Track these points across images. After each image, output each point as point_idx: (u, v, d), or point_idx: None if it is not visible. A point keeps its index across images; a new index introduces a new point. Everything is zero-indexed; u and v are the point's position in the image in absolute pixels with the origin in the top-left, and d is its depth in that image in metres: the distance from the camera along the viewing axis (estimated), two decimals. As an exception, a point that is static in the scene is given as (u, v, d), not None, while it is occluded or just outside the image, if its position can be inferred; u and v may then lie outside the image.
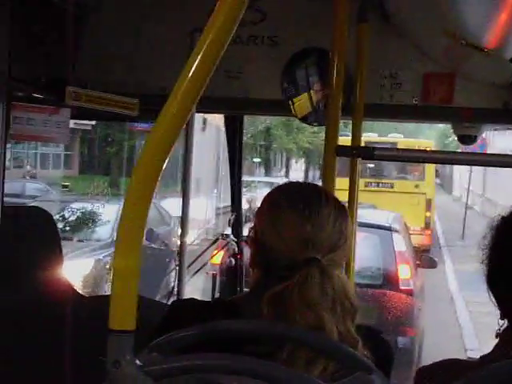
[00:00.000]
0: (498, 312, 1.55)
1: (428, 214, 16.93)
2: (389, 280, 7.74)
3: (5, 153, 2.28)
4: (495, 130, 3.53)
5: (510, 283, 1.45)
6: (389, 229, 8.30)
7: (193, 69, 1.12)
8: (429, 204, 17.07)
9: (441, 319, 10.21)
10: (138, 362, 1.21)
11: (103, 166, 23.04)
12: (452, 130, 3.33)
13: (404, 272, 7.85)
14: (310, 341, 1.42)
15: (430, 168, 17.35)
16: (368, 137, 15.77)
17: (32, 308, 2.41)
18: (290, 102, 3.16)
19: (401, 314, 7.34)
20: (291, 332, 1.43)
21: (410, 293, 7.71)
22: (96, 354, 1.32)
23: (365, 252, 6.49)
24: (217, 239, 4.19)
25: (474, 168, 22.45)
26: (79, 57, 3.03)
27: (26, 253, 2.43)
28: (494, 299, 1.54)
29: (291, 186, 1.82)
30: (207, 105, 3.39)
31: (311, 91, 3.16)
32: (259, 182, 17.71)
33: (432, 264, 8.86)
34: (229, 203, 3.82)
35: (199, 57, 1.12)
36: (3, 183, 2.14)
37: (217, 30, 1.12)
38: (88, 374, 1.26)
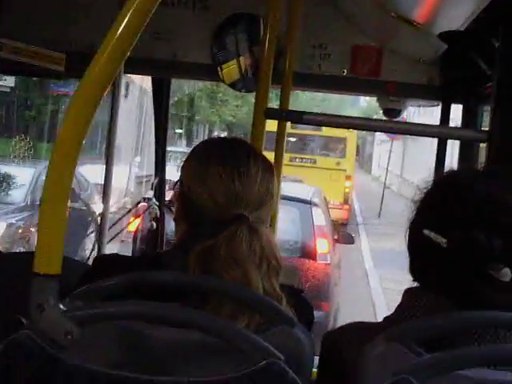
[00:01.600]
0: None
1: (347, 189, 17.43)
2: (307, 253, 7.78)
3: None
4: (419, 106, 3.60)
5: (431, 245, 1.47)
6: (309, 202, 8.32)
7: (121, 27, 1.11)
8: (348, 180, 17.53)
9: (355, 295, 10.40)
10: (61, 306, 1.20)
11: (22, 130, 22.49)
12: (374, 109, 3.38)
13: (322, 246, 7.91)
14: (234, 294, 1.42)
15: (351, 146, 17.98)
16: None
17: None
18: (219, 67, 3.14)
19: (317, 286, 7.41)
20: (216, 284, 1.43)
21: (326, 270, 7.75)
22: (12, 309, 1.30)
23: (284, 225, 6.22)
24: (138, 202, 4.16)
25: (394, 149, 22.94)
26: (4, 9, 2.95)
27: None
28: (409, 261, 1.56)
29: (221, 142, 1.81)
30: (134, 66, 3.34)
31: (240, 58, 3.15)
32: (181, 152, 17.59)
33: (349, 240, 8.93)
34: (151, 173, 3.79)
35: (128, 15, 1.10)
36: None
37: None
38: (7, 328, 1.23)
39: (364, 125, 2.59)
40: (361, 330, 1.49)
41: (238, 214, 1.59)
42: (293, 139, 16.46)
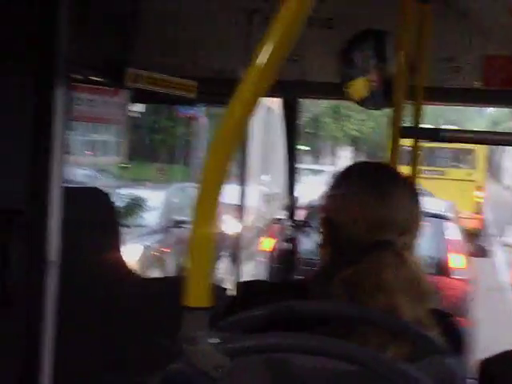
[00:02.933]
0: None
1: (478, 199, 17.16)
2: (441, 269, 7.65)
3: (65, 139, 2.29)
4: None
5: None
6: (443, 217, 8.22)
7: (267, 55, 1.10)
8: (479, 190, 17.32)
9: (493, 309, 10.06)
10: (212, 340, 1.20)
11: (151, 154, 23.17)
12: (504, 115, 3.26)
13: (456, 261, 7.80)
14: (384, 322, 1.39)
15: (481, 156, 17.56)
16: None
17: (94, 290, 2.42)
18: (346, 85, 3.12)
19: (454, 303, 7.15)
20: (365, 313, 1.40)
21: (463, 287, 7.63)
22: (154, 333, 1.32)
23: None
24: (271, 222, 4.18)
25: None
26: (137, 41, 3.04)
27: (85, 233, 2.45)
28: None
29: (364, 167, 1.78)
30: None
31: (368, 75, 3.12)
32: (307, 169, 17.64)
33: (483, 253, 8.68)
34: (277, 190, 3.78)
35: (273, 42, 1.10)
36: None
37: (292, 14, 1.10)
38: (145, 352, 1.25)
39: (504, 140, 2.49)
40: None
41: (383, 239, 1.56)
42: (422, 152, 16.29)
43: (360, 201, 1.59)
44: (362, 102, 3.16)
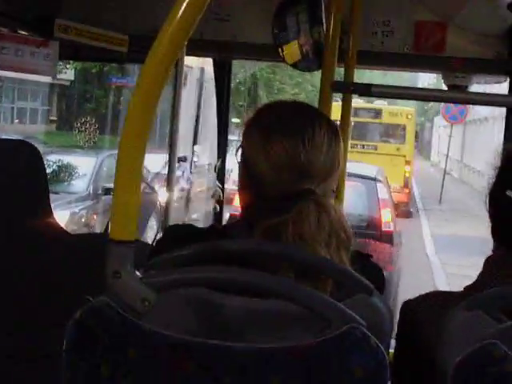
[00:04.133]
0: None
1: (407, 174, 17.69)
2: (372, 223, 8.83)
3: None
4: (485, 82, 3.51)
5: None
6: (373, 179, 9.55)
7: (183, 7, 1.10)
8: (408, 165, 17.80)
9: (418, 281, 10.33)
10: (138, 273, 1.19)
11: (82, 122, 22.77)
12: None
13: (386, 216, 9.08)
14: (311, 261, 1.40)
15: (410, 132, 18.22)
16: (355, 103, 16.20)
17: (23, 245, 2.38)
18: (280, 48, 3.11)
19: (383, 250, 8.40)
20: (288, 250, 1.41)
21: (390, 234, 8.90)
22: (82, 289, 1.31)
23: (352, 199, 7.25)
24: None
25: (453, 134, 22.61)
26: None
27: (12, 187, 2.39)
28: (491, 226, 1.52)
29: (283, 107, 1.68)
30: (196, 48, 3.33)
31: (301, 37, 3.12)
32: (238, 140, 17.61)
33: (407, 214, 9.57)
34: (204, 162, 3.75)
35: None
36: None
37: None
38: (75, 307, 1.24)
39: (432, 96, 2.54)
40: (441, 299, 1.46)
41: (305, 188, 1.53)
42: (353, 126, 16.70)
43: (278, 147, 1.54)
44: (295, 64, 3.16)
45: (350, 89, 2.38)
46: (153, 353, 1.18)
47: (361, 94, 2.37)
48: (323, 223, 1.48)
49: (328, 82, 2.35)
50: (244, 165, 1.62)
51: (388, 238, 8.78)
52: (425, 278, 10.97)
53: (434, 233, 15.01)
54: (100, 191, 9.92)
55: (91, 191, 10.08)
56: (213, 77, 3.73)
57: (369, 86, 2.24)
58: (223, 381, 1.16)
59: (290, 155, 1.54)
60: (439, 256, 12.47)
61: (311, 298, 1.21)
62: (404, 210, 10.45)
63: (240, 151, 1.62)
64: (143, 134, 1.15)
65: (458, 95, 2.76)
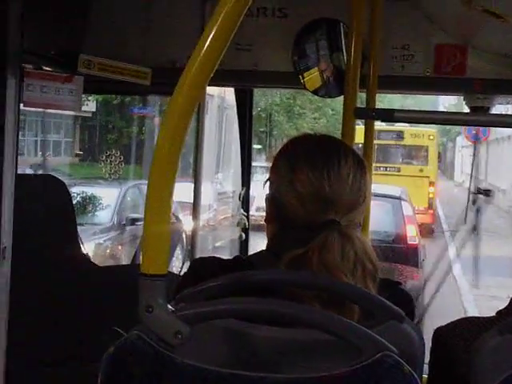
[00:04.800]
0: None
1: (431, 194, 17.81)
2: (398, 238, 10.02)
3: (18, 121, 2.26)
4: (508, 103, 3.51)
5: None
6: (398, 198, 10.97)
7: (208, 42, 1.12)
8: (432, 186, 17.94)
9: (445, 303, 10.23)
10: (170, 306, 1.20)
11: (103, 154, 22.89)
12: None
13: (411, 231, 10.34)
14: (341, 290, 1.40)
15: (432, 153, 18.22)
16: (376, 125, 16.25)
17: (50, 277, 2.40)
18: (301, 75, 3.14)
19: (409, 262, 9.42)
20: (318, 280, 1.41)
21: (415, 247, 10.06)
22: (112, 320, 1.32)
23: (378, 217, 7.93)
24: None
25: (476, 153, 22.47)
26: (91, 30, 3.02)
27: (40, 220, 2.42)
28: None
29: (309, 140, 1.71)
30: (217, 78, 3.36)
31: (321, 64, 3.14)
32: (260, 166, 17.65)
33: (432, 235, 11.23)
34: (227, 189, 3.75)
35: (215, 29, 1.11)
36: (16, 148, 2.11)
37: (232, 2, 1.11)
38: (102, 338, 1.25)
39: (454, 119, 2.54)
40: (473, 324, 1.45)
41: (329, 219, 1.55)
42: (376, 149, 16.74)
43: (304, 179, 1.57)
44: (316, 91, 3.18)
45: (372, 115, 2.39)
46: (186, 385, 1.18)
47: (383, 120, 2.38)
48: (348, 253, 1.49)
49: (350, 108, 2.36)
50: (271, 197, 1.64)
51: (413, 252, 9.87)
52: (452, 299, 10.87)
53: (460, 253, 14.80)
54: (124, 221, 9.96)
55: (115, 222, 10.12)
56: (233, 104, 3.77)
57: (391, 111, 2.25)
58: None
59: (315, 186, 1.57)
60: (466, 277, 12.30)
61: (342, 326, 1.21)
62: (429, 231, 11.11)
63: (268, 184, 1.65)
64: (172, 166, 1.17)
65: (480, 118, 2.76)
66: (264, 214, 1.66)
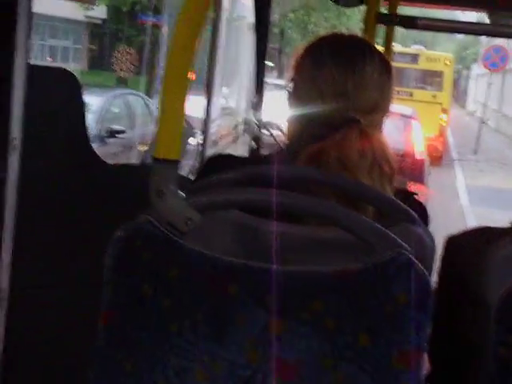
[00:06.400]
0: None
1: (443, 122, 17.42)
2: (407, 152, 10.31)
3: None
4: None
5: None
6: (409, 116, 11.84)
7: None
8: (444, 113, 17.54)
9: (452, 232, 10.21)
10: (181, 193, 1.18)
11: (112, 62, 22.77)
12: (470, 41, 3.22)
13: (419, 145, 11.15)
14: (352, 187, 1.38)
15: (448, 79, 17.77)
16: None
17: (58, 173, 2.37)
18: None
19: (415, 172, 9.96)
20: (333, 178, 1.38)
21: (422, 162, 10.74)
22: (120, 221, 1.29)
23: (389, 132, 8.39)
24: (237, 125, 4.13)
25: (492, 82, 22.16)
26: None
27: (53, 115, 2.38)
28: None
29: (335, 38, 1.66)
30: None
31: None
32: (272, 84, 17.47)
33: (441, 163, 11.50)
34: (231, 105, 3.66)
35: None
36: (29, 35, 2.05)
37: None
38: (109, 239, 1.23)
39: (480, 30, 2.47)
40: (486, 233, 1.43)
41: (350, 117, 1.51)
42: None
43: (327, 76, 1.53)
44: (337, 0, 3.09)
45: (395, 20, 2.33)
46: (195, 273, 1.17)
47: (406, 27, 2.31)
48: (366, 152, 1.46)
49: (372, 13, 2.29)
50: (294, 95, 1.60)
51: (420, 167, 10.44)
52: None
53: (468, 184, 14.73)
54: (105, 133, 9.22)
55: (97, 133, 9.11)
56: (243, 15, 3.67)
57: (414, 18, 2.19)
58: (264, 303, 1.15)
59: (338, 83, 1.53)
60: (473, 209, 12.16)
61: (355, 221, 1.19)
62: (438, 159, 11.43)
63: (291, 84, 1.61)
64: (188, 59, 1.14)
65: (505, 29, 2.68)
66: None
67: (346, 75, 1.53)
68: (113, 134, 9.19)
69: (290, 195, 1.20)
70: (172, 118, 1.16)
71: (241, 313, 1.15)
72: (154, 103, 11.33)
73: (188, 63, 1.15)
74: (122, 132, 9.19)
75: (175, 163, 1.16)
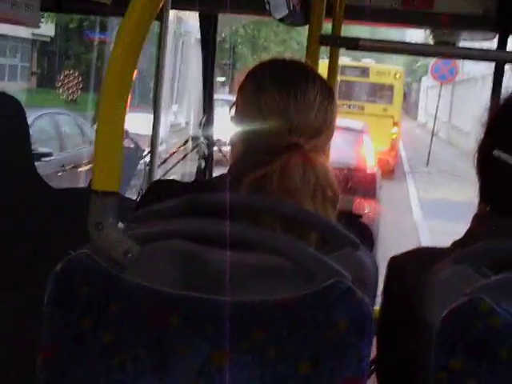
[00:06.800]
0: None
1: (394, 135, 17.64)
2: (358, 167, 10.42)
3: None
4: (472, 40, 3.48)
5: (501, 166, 1.42)
6: (360, 131, 12.11)
7: None
8: (396, 126, 17.80)
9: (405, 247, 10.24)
10: (120, 225, 1.17)
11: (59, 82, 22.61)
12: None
13: (370, 160, 11.28)
14: (295, 214, 1.38)
15: (398, 92, 17.97)
16: (341, 61, 16.06)
17: (7, 199, 2.34)
18: (267, 2, 3.06)
19: (366, 188, 9.77)
20: (278, 206, 1.38)
21: (373, 176, 10.73)
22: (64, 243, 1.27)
23: (340, 147, 8.31)
24: (186, 141, 4.13)
25: (442, 94, 22.49)
26: None
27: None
28: (479, 185, 1.51)
29: (277, 63, 1.68)
30: (181, 1, 3.27)
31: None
32: (223, 99, 17.45)
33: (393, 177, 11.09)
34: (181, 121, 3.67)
35: None
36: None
37: None
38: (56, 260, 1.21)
39: (422, 50, 2.51)
40: (428, 254, 1.45)
41: (292, 142, 1.51)
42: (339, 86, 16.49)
43: (270, 101, 1.53)
44: (282, 19, 3.11)
45: (337, 42, 2.35)
46: (136, 306, 1.16)
47: (348, 48, 2.33)
48: (308, 177, 1.46)
49: (315, 35, 2.32)
50: (236, 119, 1.61)
51: (371, 180, 10.42)
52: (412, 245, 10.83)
53: (421, 197, 14.79)
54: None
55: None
56: (191, 30, 3.68)
57: (356, 39, 2.21)
58: (206, 334, 1.15)
59: (280, 108, 1.53)
60: (427, 222, 12.18)
61: (296, 250, 1.19)
62: (389, 172, 11.60)
63: (234, 107, 1.61)
64: (126, 85, 1.13)
65: (447, 50, 2.74)
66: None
67: (288, 99, 1.54)
68: (38, 157, 8.77)
69: (228, 225, 1.20)
70: (110, 147, 1.14)
71: (183, 345, 1.15)
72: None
73: (125, 89, 1.14)
74: (48, 155, 8.52)
75: (114, 195, 1.14)
